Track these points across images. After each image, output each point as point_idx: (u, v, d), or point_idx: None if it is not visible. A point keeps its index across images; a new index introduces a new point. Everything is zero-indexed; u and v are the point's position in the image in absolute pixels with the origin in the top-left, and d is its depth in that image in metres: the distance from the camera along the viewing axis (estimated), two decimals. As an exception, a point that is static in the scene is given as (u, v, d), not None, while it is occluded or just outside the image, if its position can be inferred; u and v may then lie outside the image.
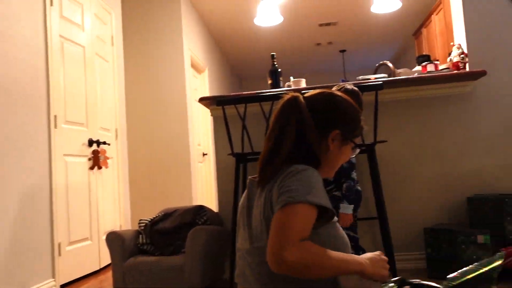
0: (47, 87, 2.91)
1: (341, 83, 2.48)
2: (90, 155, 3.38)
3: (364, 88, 2.50)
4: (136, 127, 4.72)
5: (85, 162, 3.31)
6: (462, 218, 2.85)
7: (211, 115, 3.13)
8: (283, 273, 1.00)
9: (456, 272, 1.11)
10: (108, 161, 3.63)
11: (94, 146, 3.43)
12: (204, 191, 5.60)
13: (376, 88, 2.48)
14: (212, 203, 5.68)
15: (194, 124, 5.14)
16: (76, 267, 3.11)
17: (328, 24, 6.68)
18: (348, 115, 1.25)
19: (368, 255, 1.17)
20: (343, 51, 8.15)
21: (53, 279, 2.84)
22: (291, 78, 3.17)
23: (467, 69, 2.93)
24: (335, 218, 1.18)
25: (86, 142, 3.34)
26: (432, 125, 2.94)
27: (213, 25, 6.37)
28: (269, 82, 3.05)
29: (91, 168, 3.38)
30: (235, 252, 1.32)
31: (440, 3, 4.81)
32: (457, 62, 2.92)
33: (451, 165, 2.91)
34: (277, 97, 2.60)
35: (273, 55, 3.08)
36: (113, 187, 3.77)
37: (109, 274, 3.30)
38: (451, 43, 3.17)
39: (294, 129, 1.17)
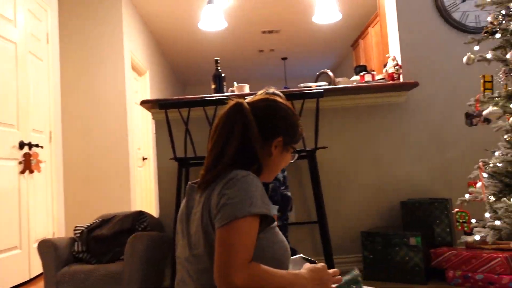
0: (-27, 85, 2.71)
1: (270, 88, 2.53)
2: (21, 159, 3.18)
3: (306, 95, 2.57)
4: (72, 130, 4.52)
5: (15, 166, 3.12)
6: (396, 221, 3.00)
7: (153, 118, 3.07)
8: None
9: None
10: (41, 164, 3.43)
11: (26, 149, 3.23)
12: (144, 196, 5.46)
13: (317, 95, 2.55)
14: (152, 208, 5.55)
15: (134, 128, 5.01)
16: (3, 278, 2.90)
17: (271, 32, 6.78)
18: (290, 123, 1.28)
19: (313, 268, 1.20)
20: (284, 58, 8.31)
21: (-23, 292, 2.64)
22: (235, 83, 3.19)
23: (401, 80, 3.09)
24: (275, 223, 1.20)
25: (17, 145, 3.14)
26: (369, 133, 3.07)
27: (155, 27, 6.26)
28: (213, 86, 3.04)
29: (22, 172, 3.18)
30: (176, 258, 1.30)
31: (377, 16, 5.04)
32: (392, 73, 3.07)
33: (386, 171, 3.05)
34: (221, 101, 2.60)
35: (217, 59, 3.08)
36: (46, 192, 3.57)
37: (40, 285, 3.11)
38: (387, 55, 3.34)
39: (239, 135, 1.18)
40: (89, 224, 2.69)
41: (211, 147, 1.21)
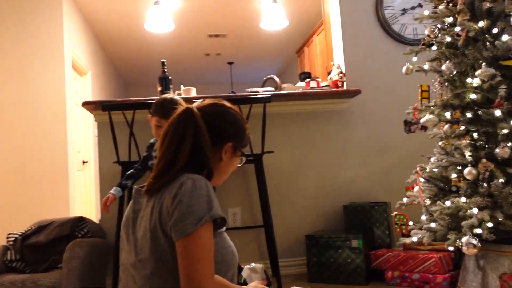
0: None
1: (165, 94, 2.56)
2: None
3: (253, 100, 2.59)
4: (4, 131, 4.25)
5: None
6: (339, 224, 3.08)
7: (95, 120, 2.96)
8: None
9: None
10: (-30, 168, 3.20)
11: (-48, 151, 3.00)
12: (84, 201, 5.23)
13: (264, 100, 2.58)
14: (93, 214, 5.33)
15: (73, 129, 4.79)
16: None
17: (217, 36, 6.77)
18: (239, 128, 1.29)
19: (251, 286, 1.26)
20: (231, 63, 8.33)
21: None
22: (182, 86, 3.14)
23: (345, 87, 3.19)
24: (223, 228, 1.20)
25: None
26: (314, 138, 3.14)
27: (99, 26, 6.04)
28: (159, 89, 2.98)
29: None
30: (118, 265, 1.26)
31: (321, 25, 5.18)
32: (336, 80, 3.17)
33: (330, 176, 3.13)
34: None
35: (163, 61, 3.02)
36: (-26, 198, 3.33)
37: (-34, 297, 2.89)
38: (331, 63, 3.44)
39: (190, 141, 1.18)
40: (23, 231, 2.54)
41: (162, 153, 1.20)
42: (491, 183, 1.86)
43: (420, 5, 3.28)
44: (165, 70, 3.00)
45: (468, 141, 2.07)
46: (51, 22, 4.44)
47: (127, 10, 5.53)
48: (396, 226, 2.48)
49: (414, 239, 2.11)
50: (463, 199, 1.94)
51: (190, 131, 1.18)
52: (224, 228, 1.20)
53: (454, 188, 2.08)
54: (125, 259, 1.18)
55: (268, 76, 3.49)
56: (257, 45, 7.36)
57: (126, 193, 2.52)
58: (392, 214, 2.54)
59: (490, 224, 1.81)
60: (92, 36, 6.09)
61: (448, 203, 1.98)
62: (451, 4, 2.08)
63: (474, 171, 1.89)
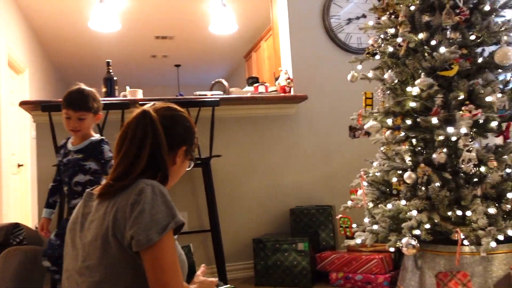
0: None
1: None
2: None
3: (202, 103, 2.57)
4: None
5: None
6: (286, 227, 3.12)
7: (34, 121, 2.81)
8: None
9: None
10: None
11: None
12: (18, 206, 4.94)
13: (213, 104, 2.57)
14: (29, 220, 5.04)
15: (8, 131, 4.52)
16: None
17: (164, 38, 6.67)
18: (192, 132, 1.31)
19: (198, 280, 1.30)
20: (178, 65, 8.23)
21: None
22: (128, 87, 3.06)
23: (292, 93, 3.25)
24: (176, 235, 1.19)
25: None
26: (262, 142, 3.17)
27: (38, 23, 5.75)
28: (103, 90, 2.89)
29: None
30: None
31: (269, 30, 5.25)
32: (284, 86, 3.22)
33: (277, 180, 3.17)
34: (112, 106, 2.48)
35: (108, 62, 2.93)
36: None
37: None
38: (279, 68, 3.49)
39: (150, 144, 1.16)
40: (-49, 239, 2.35)
41: (122, 156, 1.16)
42: (428, 186, 1.96)
43: (364, 16, 3.41)
44: (110, 70, 2.91)
45: (407, 147, 2.18)
46: (-15, 16, 4.18)
47: (70, 7, 5.30)
48: (340, 228, 2.55)
49: (358, 241, 2.18)
50: (403, 202, 2.03)
51: (150, 134, 1.17)
52: (176, 236, 1.19)
53: (395, 192, 2.17)
54: (70, 264, 1.13)
55: (217, 80, 3.48)
56: (205, 48, 7.33)
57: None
58: (336, 217, 2.61)
59: (427, 226, 1.91)
60: (30, 33, 5.79)
61: (389, 206, 2.06)
62: (393, 16, 2.18)
63: (413, 175, 1.98)
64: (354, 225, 2.40)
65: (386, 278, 2.52)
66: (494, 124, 1.94)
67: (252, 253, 2.82)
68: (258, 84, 3.32)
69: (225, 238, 2.86)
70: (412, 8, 2.07)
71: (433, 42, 2.02)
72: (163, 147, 1.18)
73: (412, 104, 2.06)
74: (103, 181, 1.17)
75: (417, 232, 1.90)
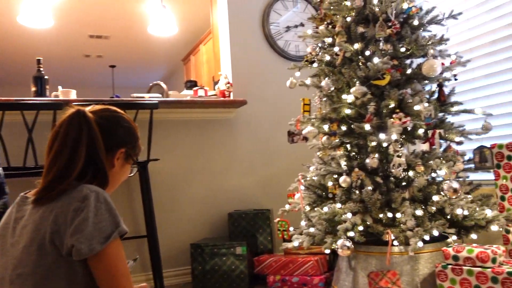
0: None
1: None
2: None
3: (140, 105, 2.51)
4: None
5: None
6: (225, 232, 3.12)
7: (-48, 121, 2.59)
8: None
9: None
10: None
11: None
12: None
13: (151, 106, 2.51)
14: None
15: None
16: None
17: (99, 37, 6.44)
18: (133, 135, 1.28)
19: None
20: (113, 66, 7.97)
21: None
22: (60, 87, 2.91)
23: (232, 97, 3.26)
24: None
25: None
26: (201, 146, 3.15)
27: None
28: (33, 89, 2.73)
29: None
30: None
31: (209, 34, 5.24)
32: (224, 90, 3.22)
33: (216, 184, 3.16)
34: (43, 106, 2.35)
35: (39, 59, 2.78)
36: None
37: None
38: (219, 73, 3.49)
39: (86, 145, 1.11)
40: None
41: (53, 156, 1.10)
42: (362, 190, 2.05)
43: (302, 24, 3.50)
44: (41, 69, 2.76)
45: (343, 152, 2.26)
46: None
47: (-6, 0, 4.97)
48: (278, 232, 2.59)
49: (295, 243, 2.23)
50: (338, 205, 2.11)
51: (84, 135, 1.11)
52: None
53: (330, 195, 2.25)
54: None
55: (155, 82, 3.41)
56: (142, 50, 7.16)
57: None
58: (274, 221, 2.65)
59: (361, 228, 2.00)
60: None
61: (325, 209, 2.13)
62: (330, 26, 2.27)
63: (348, 179, 2.06)
64: (291, 228, 2.45)
65: (321, 279, 2.59)
66: (421, 131, 2.07)
67: (190, 258, 2.79)
68: (197, 87, 3.30)
69: (162, 244, 2.81)
70: (348, 19, 2.17)
71: (367, 53, 2.12)
72: (100, 147, 1.13)
73: (347, 111, 2.15)
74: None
75: (351, 234, 1.98)
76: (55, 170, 1.09)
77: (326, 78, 2.24)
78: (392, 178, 2.10)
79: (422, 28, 2.18)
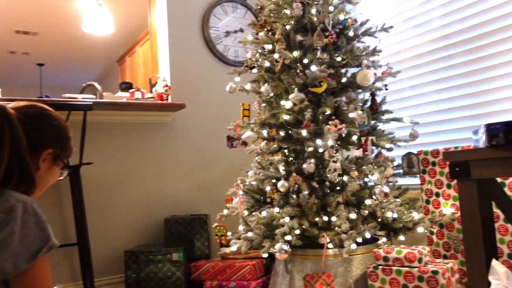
0: None
1: None
2: None
3: (73, 107, 2.39)
4: None
5: None
6: (161, 238, 3.05)
7: None
8: None
9: None
10: None
11: None
12: None
13: (85, 108, 2.41)
14: None
15: None
16: None
17: (26, 33, 6.07)
18: (63, 134, 1.19)
19: None
20: (41, 64, 7.54)
21: None
22: (-19, 85, 2.71)
23: (170, 100, 3.21)
24: None
25: None
26: (137, 150, 3.06)
27: None
28: (-50, 86, 2.51)
29: None
30: None
31: (146, 35, 5.12)
32: (161, 93, 3.16)
33: (152, 189, 3.09)
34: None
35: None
36: None
37: None
38: (157, 75, 3.42)
39: (8, 146, 1.02)
40: None
41: None
42: (299, 194, 2.10)
43: (241, 30, 3.53)
44: (-40, 64, 2.55)
45: (281, 157, 2.30)
46: None
47: None
48: (216, 237, 2.58)
49: (233, 248, 2.23)
50: (276, 210, 2.14)
51: (6, 134, 1.02)
52: None
53: (269, 200, 2.28)
54: None
55: (88, 83, 3.27)
56: (73, 48, 6.85)
57: None
58: (212, 226, 2.63)
59: (298, 231, 2.04)
60: None
61: (264, 213, 2.15)
62: (270, 33, 2.31)
63: (286, 184, 2.10)
64: (229, 233, 2.45)
65: (258, 284, 2.61)
66: (355, 137, 2.16)
67: (124, 266, 2.69)
68: (134, 90, 3.21)
69: (94, 251, 2.69)
70: (288, 27, 2.22)
71: (305, 61, 2.18)
72: (23, 147, 1.04)
73: (286, 117, 2.20)
74: None
75: (288, 237, 2.01)
76: None
77: (266, 84, 2.27)
78: (327, 183, 2.16)
79: (357, 39, 2.28)
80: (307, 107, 2.15)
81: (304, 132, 2.10)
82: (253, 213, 2.25)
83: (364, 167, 2.09)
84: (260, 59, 2.34)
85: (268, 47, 2.30)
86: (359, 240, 1.98)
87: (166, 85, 3.19)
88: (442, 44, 2.58)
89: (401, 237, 2.19)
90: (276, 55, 2.19)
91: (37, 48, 6.75)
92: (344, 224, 1.96)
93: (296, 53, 2.18)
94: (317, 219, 2.08)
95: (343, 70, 2.29)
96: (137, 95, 3.14)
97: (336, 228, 2.02)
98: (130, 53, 5.93)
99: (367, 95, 2.35)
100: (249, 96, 2.41)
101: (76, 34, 6.12)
